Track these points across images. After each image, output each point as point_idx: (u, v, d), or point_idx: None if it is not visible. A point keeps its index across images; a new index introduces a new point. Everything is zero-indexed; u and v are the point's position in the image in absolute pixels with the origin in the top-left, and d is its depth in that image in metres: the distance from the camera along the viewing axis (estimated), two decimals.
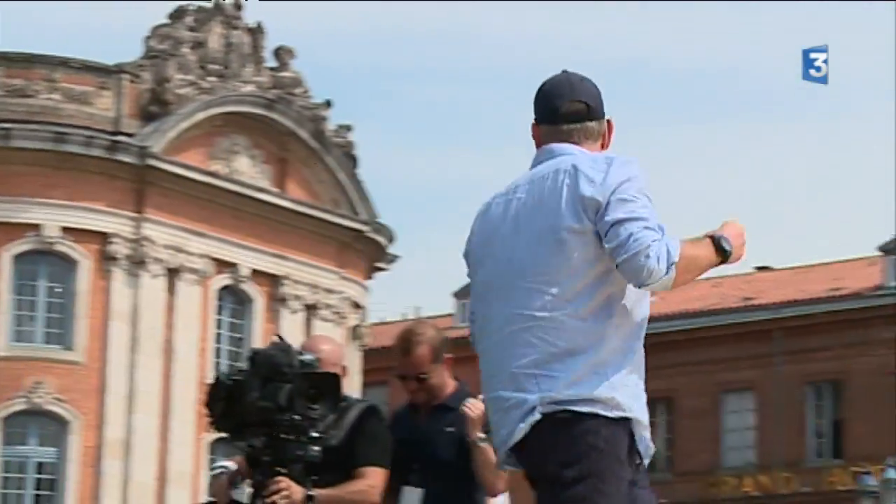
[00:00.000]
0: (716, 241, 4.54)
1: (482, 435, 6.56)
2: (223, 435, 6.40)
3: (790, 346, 47.53)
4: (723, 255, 4.56)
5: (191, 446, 37.84)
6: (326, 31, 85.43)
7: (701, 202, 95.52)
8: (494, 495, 6.91)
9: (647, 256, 4.27)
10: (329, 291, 42.14)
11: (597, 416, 4.34)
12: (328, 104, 42.93)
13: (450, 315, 55.73)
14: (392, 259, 45.42)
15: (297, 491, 6.15)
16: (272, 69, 42.00)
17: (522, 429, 4.36)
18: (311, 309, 41.55)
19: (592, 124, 4.61)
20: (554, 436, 4.33)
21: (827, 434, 47.89)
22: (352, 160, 43.34)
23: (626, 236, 4.27)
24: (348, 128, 43.72)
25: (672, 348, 48.46)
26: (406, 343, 6.76)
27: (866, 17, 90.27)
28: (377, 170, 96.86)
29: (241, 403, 6.12)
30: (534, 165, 4.59)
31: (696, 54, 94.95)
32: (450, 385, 6.84)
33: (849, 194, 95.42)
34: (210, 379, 6.62)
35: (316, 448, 6.17)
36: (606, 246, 4.30)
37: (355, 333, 43.41)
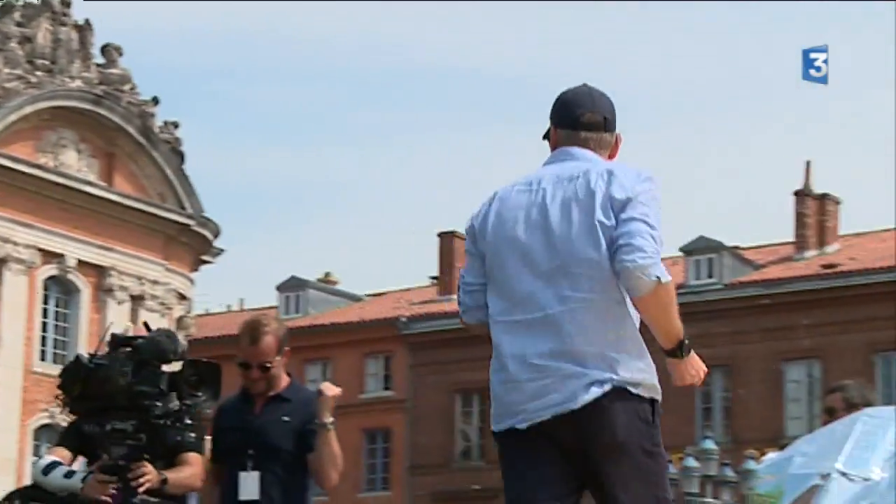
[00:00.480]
0: (684, 340, 4.81)
1: (331, 419, 6.81)
2: (70, 418, 6.44)
3: None
4: (680, 349, 4.77)
5: (15, 432, 37.51)
6: (154, 30, 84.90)
7: None
8: (326, 488, 7.16)
9: (645, 254, 4.61)
10: (155, 283, 42.10)
11: (642, 396, 4.72)
12: (155, 101, 42.91)
13: (273, 307, 55.88)
14: (217, 252, 45.48)
15: (155, 474, 6.22)
16: (100, 66, 41.86)
17: (586, 398, 4.62)
18: (137, 300, 41.46)
19: (606, 135, 5.00)
20: (614, 410, 4.64)
21: None
22: (178, 156, 43.37)
23: (634, 229, 4.65)
24: (175, 124, 43.72)
25: (487, 342, 49.37)
26: (254, 332, 6.87)
27: (866, 17, 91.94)
28: (203, 166, 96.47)
29: (106, 386, 6.14)
30: (550, 163, 4.97)
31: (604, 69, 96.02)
32: (285, 377, 6.99)
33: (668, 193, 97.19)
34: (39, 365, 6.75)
35: (192, 435, 6.30)
36: (614, 235, 4.67)
37: (181, 324, 43.39)
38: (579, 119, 4.98)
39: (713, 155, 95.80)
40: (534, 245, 4.81)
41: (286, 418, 7.00)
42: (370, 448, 51.46)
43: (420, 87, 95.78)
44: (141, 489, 6.20)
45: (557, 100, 5.06)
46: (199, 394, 6.22)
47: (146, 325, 6.64)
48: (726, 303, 47.06)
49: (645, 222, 4.66)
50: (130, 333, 6.48)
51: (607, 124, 5.00)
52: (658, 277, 4.60)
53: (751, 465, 24.11)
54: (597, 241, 4.70)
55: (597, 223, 4.70)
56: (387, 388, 51.68)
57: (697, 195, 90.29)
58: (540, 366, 4.72)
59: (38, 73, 39.81)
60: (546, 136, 5.08)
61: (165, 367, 6.30)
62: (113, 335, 6.42)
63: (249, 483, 6.75)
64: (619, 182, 4.75)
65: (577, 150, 4.94)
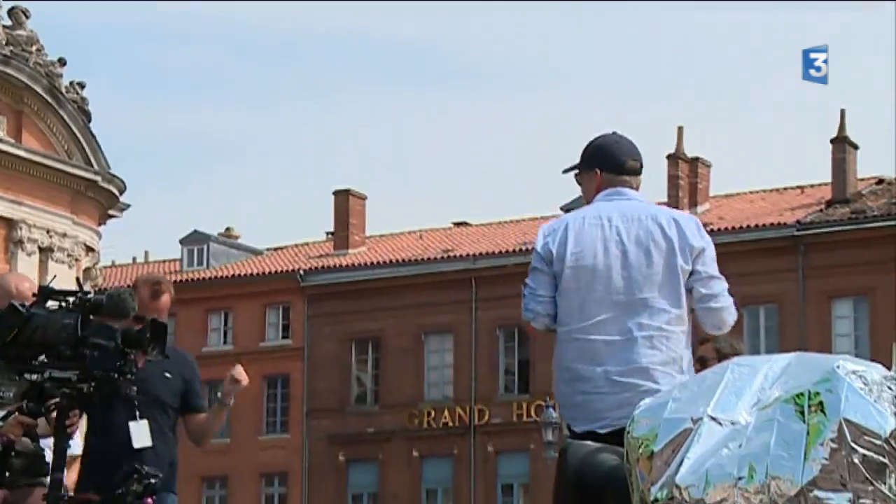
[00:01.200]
0: None
1: (232, 400, 7.41)
2: None
3: (485, 293, 48.56)
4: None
5: None
6: None
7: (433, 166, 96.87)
8: (200, 446, 7.71)
9: (731, 314, 5.54)
10: (63, 235, 41.69)
11: None
12: (62, 62, 42.37)
13: (177, 260, 55.65)
14: (123, 207, 45.10)
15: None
16: (7, 27, 41.24)
17: None
18: (45, 251, 41.02)
19: (639, 178, 5.78)
20: None
21: (515, 372, 49.26)
22: (85, 114, 42.90)
23: (719, 290, 5.51)
24: (81, 84, 43.21)
25: (380, 294, 49.42)
26: (155, 288, 7.14)
27: (866, 17, 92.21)
28: (110, 124, 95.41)
29: (48, 335, 6.03)
30: (606, 200, 5.66)
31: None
32: None
33: (534, 160, 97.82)
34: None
35: (135, 388, 6.26)
36: (701, 290, 5.50)
37: (88, 275, 43.06)
38: (623, 165, 5.73)
39: (596, 121, 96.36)
40: (614, 276, 5.45)
41: (168, 374, 7.30)
42: (270, 393, 51.46)
43: (317, 51, 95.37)
44: (73, 436, 6.25)
45: (598, 146, 5.78)
46: (151, 349, 6.17)
47: (78, 280, 6.69)
48: None
49: (722, 279, 5.56)
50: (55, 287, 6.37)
51: (640, 170, 5.79)
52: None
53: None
54: (677, 283, 5.44)
55: (678, 268, 5.45)
56: (285, 337, 51.67)
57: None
58: (621, 382, 5.36)
59: None
60: (568, 171, 5.86)
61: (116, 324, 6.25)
62: (41, 287, 6.35)
63: (142, 431, 6.85)
64: (690, 231, 5.53)
65: (626, 190, 5.68)
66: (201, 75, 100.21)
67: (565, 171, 5.87)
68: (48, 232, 41.14)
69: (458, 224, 55.88)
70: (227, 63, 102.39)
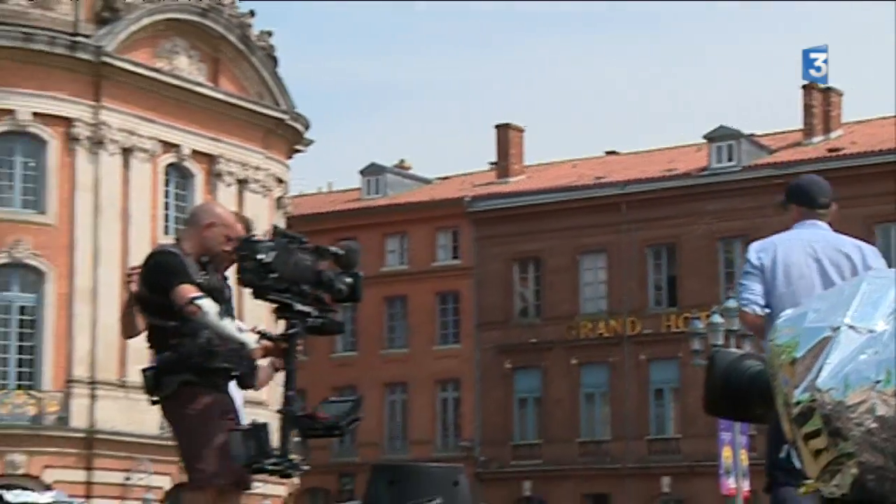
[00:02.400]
0: None
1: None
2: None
3: (634, 216, 48.22)
4: None
5: None
6: None
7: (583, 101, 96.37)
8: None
9: None
10: (257, 168, 42.32)
11: None
12: (252, 13, 42.86)
13: (357, 189, 56.08)
14: (308, 143, 45.61)
15: None
16: None
17: None
18: (242, 183, 41.71)
19: (830, 210, 6.77)
20: None
21: (664, 287, 48.99)
22: (273, 60, 43.36)
23: None
24: (269, 33, 43.66)
25: (539, 217, 49.38)
26: (248, 226, 6.97)
27: (866, 17, 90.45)
28: (295, 68, 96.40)
29: (296, 269, 6.07)
30: (806, 228, 6.66)
31: None
32: None
33: (681, 91, 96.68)
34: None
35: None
36: None
37: (279, 203, 43.76)
38: (817, 201, 6.75)
39: (729, 53, 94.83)
40: (815, 282, 6.45)
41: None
42: (442, 308, 51.75)
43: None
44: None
45: (799, 186, 6.79)
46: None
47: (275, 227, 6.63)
48: (744, 183, 46.86)
49: None
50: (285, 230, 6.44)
51: (830, 206, 6.76)
52: None
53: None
54: None
55: None
56: (455, 258, 51.88)
57: (719, 88, 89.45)
58: None
59: None
60: (776, 204, 6.83)
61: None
62: (275, 227, 6.48)
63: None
64: (870, 255, 6.59)
65: (818, 222, 6.70)
66: (376, 22, 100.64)
67: (775, 205, 6.88)
68: (244, 166, 41.82)
69: (609, 153, 55.48)
70: (400, 9, 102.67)
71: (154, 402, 6.38)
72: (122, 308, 6.65)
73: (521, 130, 54.48)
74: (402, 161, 58.90)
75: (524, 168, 53.91)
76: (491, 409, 49.79)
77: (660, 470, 46.95)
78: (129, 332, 6.61)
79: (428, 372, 50.77)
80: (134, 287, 6.43)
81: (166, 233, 38.90)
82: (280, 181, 43.78)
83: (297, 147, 45.01)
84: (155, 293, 6.28)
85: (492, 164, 55.57)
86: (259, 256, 6.04)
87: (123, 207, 37.63)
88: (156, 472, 35.80)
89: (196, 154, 40.45)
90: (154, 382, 6.28)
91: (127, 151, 38.35)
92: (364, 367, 51.20)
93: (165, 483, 36.46)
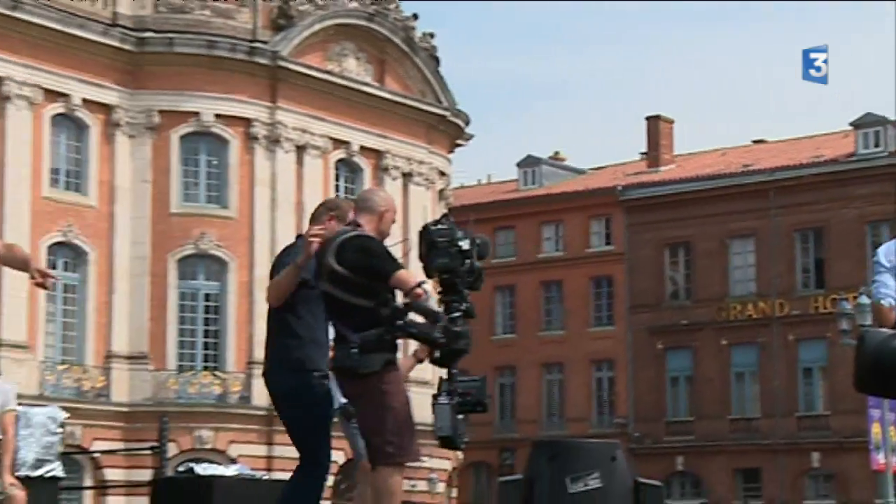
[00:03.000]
0: None
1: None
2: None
3: (782, 201, 47.54)
4: None
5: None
6: None
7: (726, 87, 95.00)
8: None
9: None
10: (421, 162, 42.55)
11: None
12: (415, 16, 43.10)
13: (514, 180, 56.16)
14: (468, 137, 45.71)
15: None
16: None
17: None
18: (406, 176, 41.97)
19: None
20: None
21: (811, 270, 48.15)
22: (435, 60, 43.55)
23: None
24: (432, 35, 43.83)
25: (689, 204, 48.91)
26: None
27: (866, 17, 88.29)
28: (456, 67, 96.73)
29: (448, 252, 6.17)
30: None
31: None
32: None
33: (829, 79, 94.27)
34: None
35: None
36: None
37: (441, 195, 43.98)
38: None
39: (878, 42, 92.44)
40: None
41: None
42: (596, 292, 51.60)
43: None
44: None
45: None
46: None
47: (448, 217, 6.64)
48: (891, 168, 45.90)
49: None
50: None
51: None
52: None
53: None
54: None
55: None
56: (608, 244, 51.65)
57: (865, 76, 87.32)
58: None
59: None
60: None
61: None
62: (447, 216, 6.50)
63: None
64: None
65: None
66: (532, 21, 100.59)
67: None
68: (408, 160, 42.08)
69: (756, 141, 54.70)
70: (553, 7, 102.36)
71: (353, 378, 6.31)
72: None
73: (670, 122, 54.04)
74: (556, 153, 58.78)
75: (674, 157, 53.42)
76: (644, 388, 49.50)
77: (809, 445, 46.20)
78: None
79: (583, 352, 50.65)
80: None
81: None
82: (442, 174, 43.98)
83: (458, 142, 45.15)
84: (359, 274, 6.27)
85: (643, 154, 55.18)
86: (460, 244, 6.14)
87: (298, 201, 38.08)
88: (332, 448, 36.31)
89: (364, 150, 40.82)
90: (358, 359, 6.26)
91: (301, 149, 38.88)
92: (522, 348, 51.31)
93: (339, 457, 36.99)
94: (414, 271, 6.34)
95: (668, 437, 48.89)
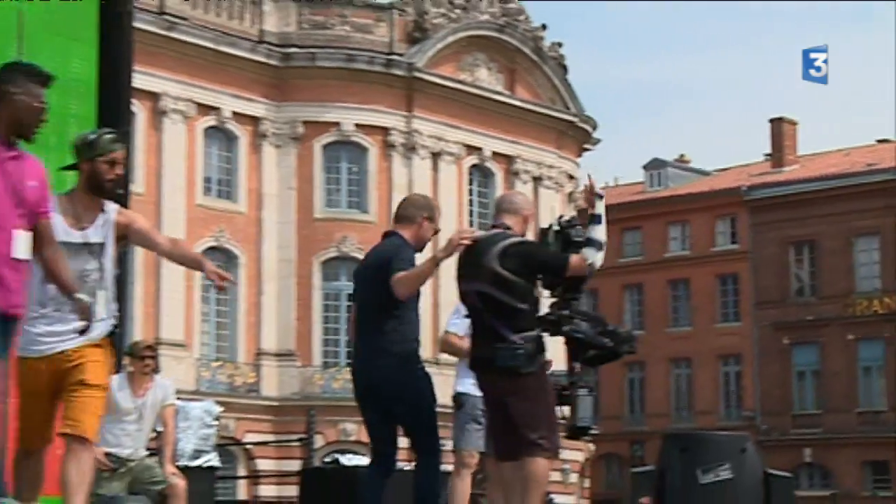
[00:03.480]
0: None
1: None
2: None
3: None
4: None
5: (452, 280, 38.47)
6: None
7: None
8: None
9: None
10: (550, 167, 42.46)
11: None
12: (544, 27, 42.99)
13: (640, 182, 55.69)
14: (595, 141, 45.50)
15: None
16: (501, 2, 42.08)
17: None
18: (536, 180, 41.92)
19: None
20: None
21: None
22: (563, 68, 43.41)
23: None
24: (560, 44, 43.68)
25: (813, 204, 48.00)
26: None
27: (866, 17, 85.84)
28: (583, 74, 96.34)
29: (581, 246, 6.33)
30: None
31: None
32: None
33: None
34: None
35: None
36: None
37: (570, 198, 43.81)
38: None
39: None
40: None
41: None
42: (722, 289, 50.93)
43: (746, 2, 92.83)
44: None
45: None
46: None
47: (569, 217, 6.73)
48: None
49: None
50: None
51: None
52: None
53: None
54: None
55: None
56: (733, 243, 50.95)
57: None
58: None
59: (457, 10, 40.32)
60: None
61: None
62: (573, 220, 6.61)
63: None
64: None
65: None
66: (655, 28, 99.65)
67: None
68: (538, 164, 42.03)
69: (881, 141, 53.36)
70: (675, 16, 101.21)
71: (511, 376, 6.35)
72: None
73: (794, 123, 53.10)
74: (682, 155, 58.13)
75: (797, 158, 52.46)
76: (770, 382, 48.70)
77: None
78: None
79: (710, 348, 50.04)
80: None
81: (471, 226, 39.46)
82: (571, 177, 43.82)
83: (586, 146, 44.96)
84: (524, 277, 6.37)
85: (766, 155, 54.29)
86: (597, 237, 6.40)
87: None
88: None
89: (496, 155, 40.88)
90: (524, 360, 6.31)
91: (436, 155, 39.07)
92: (650, 344, 50.79)
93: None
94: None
95: (796, 430, 48.02)
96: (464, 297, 6.56)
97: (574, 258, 6.34)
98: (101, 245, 5.76)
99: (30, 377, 5.61)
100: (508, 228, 6.54)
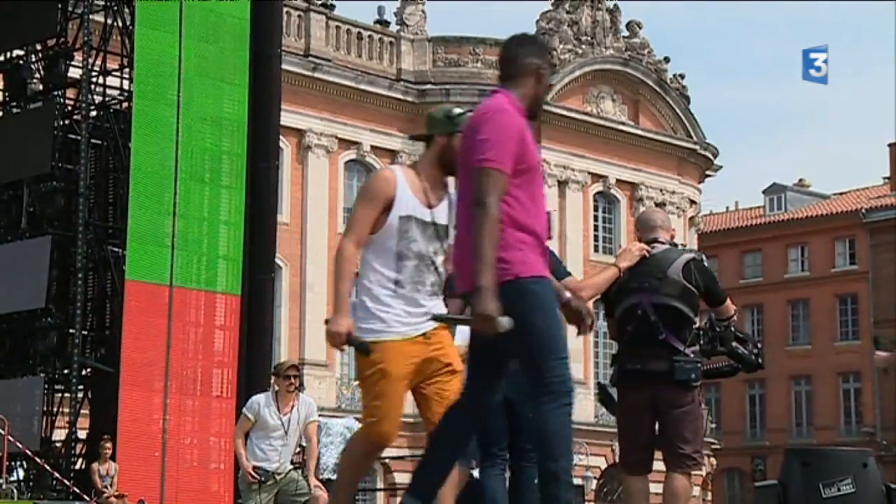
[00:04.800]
0: None
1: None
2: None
3: None
4: None
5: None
6: (667, 6, 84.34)
7: None
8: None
9: None
10: (672, 192, 42.04)
11: None
12: (667, 59, 42.67)
13: (760, 206, 54.73)
14: (717, 168, 44.93)
15: None
16: (626, 37, 41.94)
17: None
18: (659, 205, 41.43)
19: None
20: None
21: None
22: (685, 98, 42.99)
23: None
24: (682, 76, 43.33)
25: None
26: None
27: (866, 17, 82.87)
28: (706, 103, 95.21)
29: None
30: None
31: None
32: None
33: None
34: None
35: None
36: None
37: (692, 222, 43.31)
38: None
39: None
40: None
41: None
42: (842, 308, 49.75)
43: (865, 29, 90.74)
44: None
45: None
46: None
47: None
48: None
49: None
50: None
51: None
52: None
53: None
54: None
55: None
56: (852, 263, 49.73)
57: None
58: None
59: (583, 46, 40.27)
60: None
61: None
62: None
63: None
64: None
65: None
66: (772, 57, 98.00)
67: None
68: (661, 190, 41.65)
69: None
70: (791, 44, 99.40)
71: (677, 388, 6.14)
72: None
73: None
74: (801, 180, 56.98)
75: None
76: (890, 398, 47.26)
77: None
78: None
79: (830, 365, 48.85)
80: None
81: (595, 251, 39.27)
82: (692, 202, 43.31)
83: (708, 172, 44.40)
84: (701, 293, 6.24)
85: (885, 178, 52.90)
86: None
87: (560, 230, 38.12)
88: (592, 454, 36.05)
89: (620, 182, 40.63)
90: (696, 373, 6.14)
91: (562, 183, 38.96)
92: (770, 361, 49.05)
93: (601, 463, 36.75)
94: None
95: None
96: (632, 308, 6.21)
97: (729, 301, 6.39)
98: (446, 228, 4.96)
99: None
100: (663, 243, 6.34)
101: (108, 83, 17.92)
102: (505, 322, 4.39)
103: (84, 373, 16.99)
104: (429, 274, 4.91)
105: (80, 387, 16.83)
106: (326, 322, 4.90)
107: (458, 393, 4.84)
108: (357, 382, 5.04)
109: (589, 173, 39.61)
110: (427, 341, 4.90)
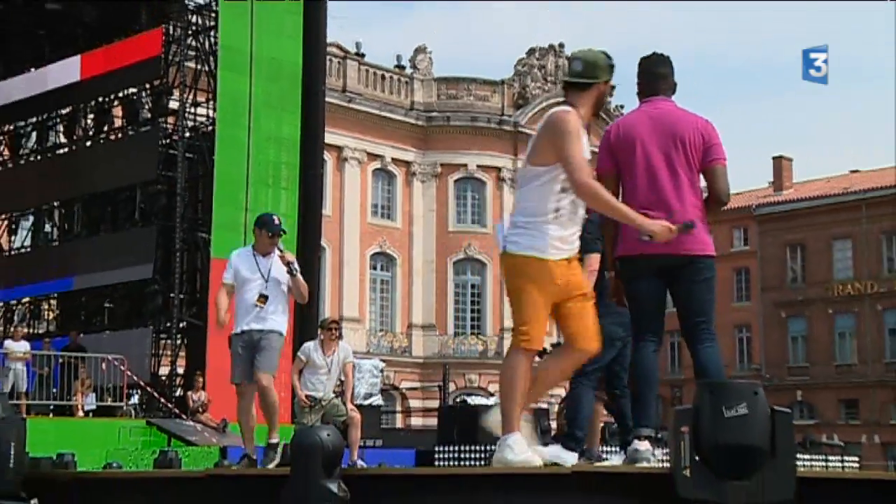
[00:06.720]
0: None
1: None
2: None
3: (871, 213, 44.65)
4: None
5: None
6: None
7: None
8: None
9: None
10: None
11: None
12: (612, 88, 42.19)
13: None
14: None
15: None
16: None
17: None
18: None
19: None
20: None
21: None
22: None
23: None
24: (622, 106, 42.70)
25: (804, 217, 46.51)
26: None
27: (866, 17, 79.76)
28: None
29: None
30: None
31: None
32: None
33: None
34: None
35: None
36: None
37: None
38: None
39: None
40: None
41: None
42: (737, 278, 49.71)
43: None
44: None
45: None
46: None
47: None
48: None
49: None
50: None
51: None
52: None
53: None
54: None
55: None
56: (745, 245, 49.56)
57: None
58: None
59: (549, 84, 39.57)
60: None
61: None
62: None
63: None
64: None
65: None
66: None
67: None
68: None
69: (853, 171, 51.25)
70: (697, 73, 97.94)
71: None
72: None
73: (790, 160, 51.44)
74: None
75: (792, 184, 50.85)
76: (772, 344, 47.42)
77: (894, 382, 43.22)
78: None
79: (729, 320, 48.47)
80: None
81: None
82: None
83: None
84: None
85: (770, 182, 52.70)
86: None
87: None
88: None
89: None
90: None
91: None
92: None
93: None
94: None
95: (790, 378, 46.63)
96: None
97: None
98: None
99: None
100: None
101: (197, 112, 18.31)
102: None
103: (181, 325, 17.66)
104: (580, 207, 4.33)
105: (179, 336, 17.50)
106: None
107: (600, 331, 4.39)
108: (509, 300, 4.31)
109: None
110: (568, 265, 4.33)
